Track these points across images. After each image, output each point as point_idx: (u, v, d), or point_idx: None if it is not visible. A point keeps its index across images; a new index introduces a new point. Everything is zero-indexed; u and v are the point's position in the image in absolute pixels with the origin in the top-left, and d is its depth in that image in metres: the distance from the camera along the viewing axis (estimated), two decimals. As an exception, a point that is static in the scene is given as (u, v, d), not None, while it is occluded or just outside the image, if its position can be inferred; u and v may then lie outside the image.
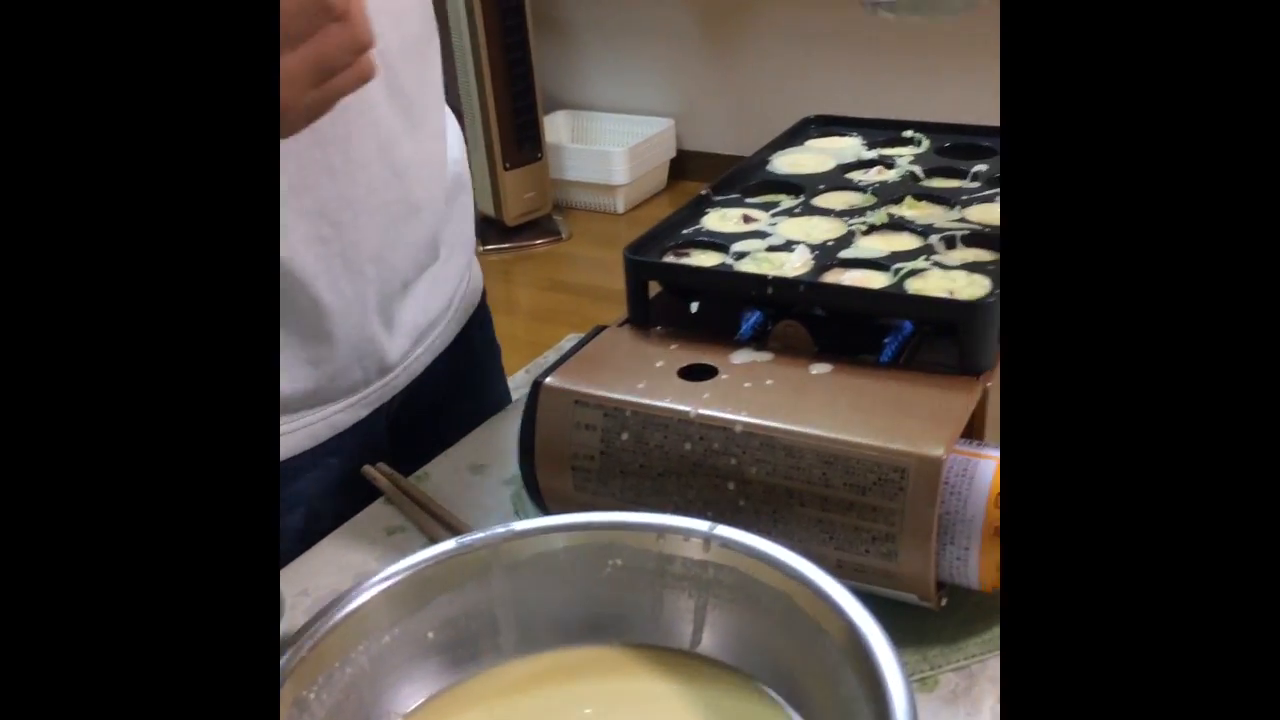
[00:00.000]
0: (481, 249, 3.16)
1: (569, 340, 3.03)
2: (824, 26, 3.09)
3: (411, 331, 0.80)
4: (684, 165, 3.45)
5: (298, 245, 0.68)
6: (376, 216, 0.73)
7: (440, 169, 0.81)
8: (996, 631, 0.59)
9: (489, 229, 3.19)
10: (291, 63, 0.48)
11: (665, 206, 3.39)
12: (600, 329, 0.69)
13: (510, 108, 3.05)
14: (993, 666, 0.57)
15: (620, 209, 3.33)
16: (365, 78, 0.51)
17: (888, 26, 2.96)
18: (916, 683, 0.56)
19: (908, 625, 0.58)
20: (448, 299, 0.86)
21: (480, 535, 0.53)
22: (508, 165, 3.09)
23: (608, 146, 3.35)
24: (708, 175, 3.51)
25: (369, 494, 0.73)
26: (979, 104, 3.00)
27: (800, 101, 3.20)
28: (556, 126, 3.44)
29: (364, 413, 0.77)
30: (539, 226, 3.22)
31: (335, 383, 0.74)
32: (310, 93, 0.49)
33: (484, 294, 0.95)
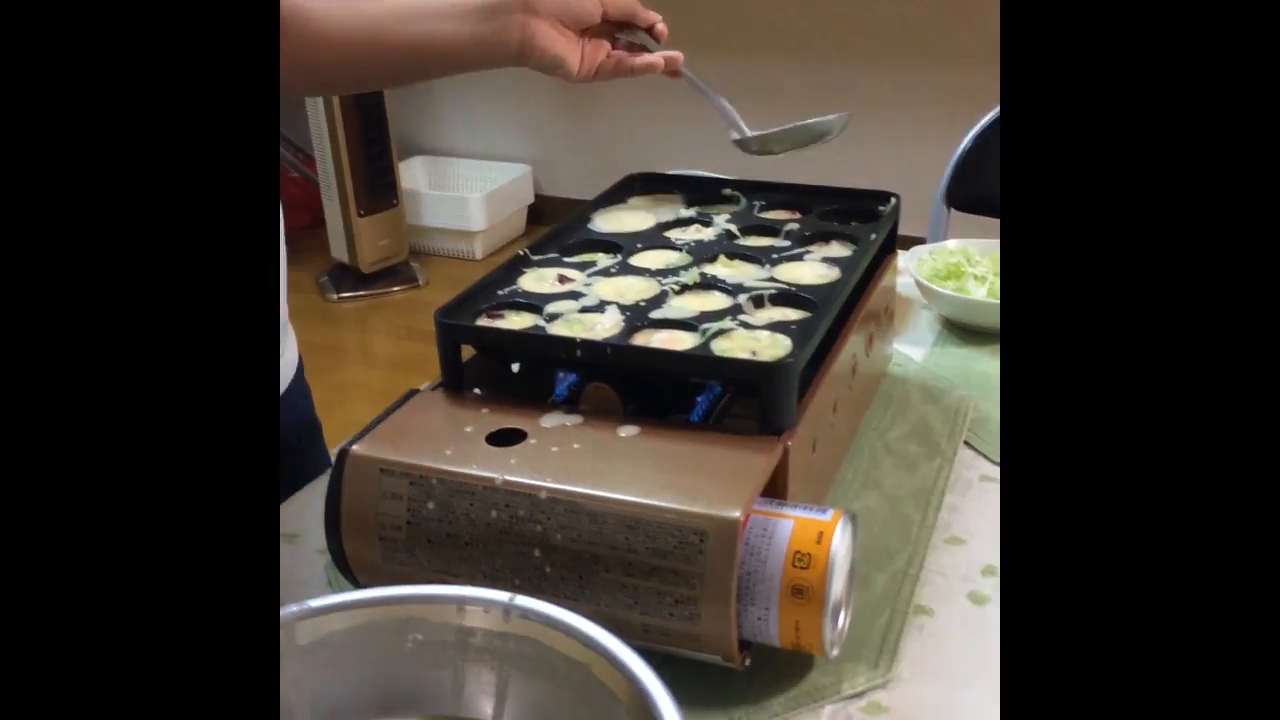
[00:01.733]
0: (336, 296, 3.11)
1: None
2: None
3: None
4: (542, 211, 3.47)
5: None
6: None
7: None
8: (801, 688, 0.60)
9: (344, 276, 3.14)
10: None
11: (524, 252, 3.39)
12: (413, 393, 0.69)
13: (364, 154, 3.02)
14: (797, 722, 0.58)
15: (479, 255, 3.32)
16: None
17: (743, 82, 3.03)
18: (722, 743, 0.57)
19: (714, 686, 0.58)
20: None
21: (272, 615, 0.51)
22: (362, 212, 3.05)
23: (465, 192, 3.34)
24: (563, 221, 3.44)
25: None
26: (834, 162, 3.09)
27: (654, 149, 3.25)
28: (414, 172, 3.42)
29: None
30: (395, 273, 3.18)
31: None
32: None
33: (300, 368, 0.90)
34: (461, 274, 3.26)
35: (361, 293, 3.12)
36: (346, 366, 2.86)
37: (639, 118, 3.26)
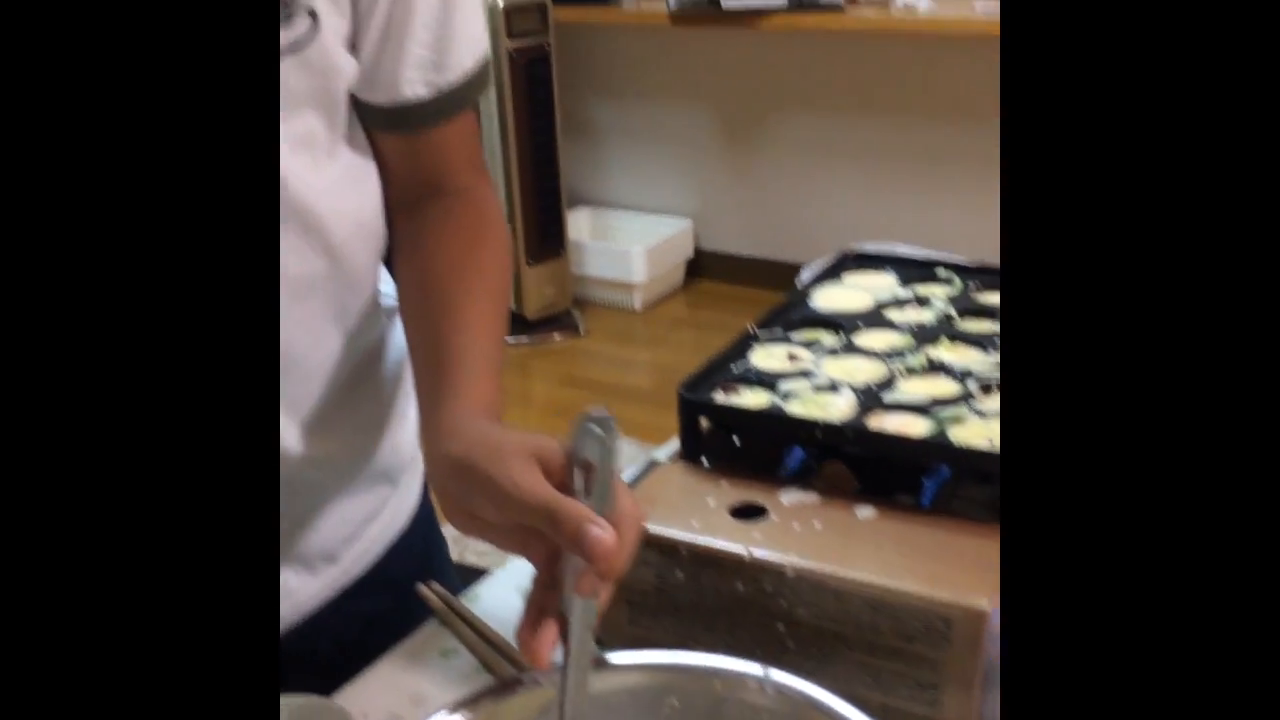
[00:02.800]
0: (501, 341, 3.21)
1: None
2: (840, 137, 3.17)
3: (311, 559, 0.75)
4: (701, 265, 3.52)
5: None
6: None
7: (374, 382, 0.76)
8: (1036, 778, 0.60)
9: (509, 321, 3.24)
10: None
11: (681, 305, 3.44)
12: (653, 464, 0.72)
13: (535, 205, 3.12)
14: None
15: (637, 306, 3.38)
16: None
17: (902, 141, 3.04)
18: (959, 828, 0.58)
19: (950, 769, 0.60)
20: (364, 519, 0.78)
21: (544, 672, 0.55)
22: (530, 261, 3.15)
23: (627, 245, 3.42)
24: (724, 276, 3.56)
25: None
26: (983, 224, 3.05)
27: (813, 208, 3.27)
28: (578, 223, 3.51)
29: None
30: (557, 322, 3.26)
31: None
32: None
33: (416, 517, 0.84)
34: (621, 325, 3.33)
35: (524, 339, 3.21)
36: (507, 411, 2.94)
37: (797, 178, 3.29)
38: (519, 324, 3.23)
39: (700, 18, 2.95)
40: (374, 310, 0.75)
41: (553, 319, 3.26)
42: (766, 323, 0.83)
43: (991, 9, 2.60)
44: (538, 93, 3.04)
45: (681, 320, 3.37)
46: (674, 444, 0.75)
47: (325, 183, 0.67)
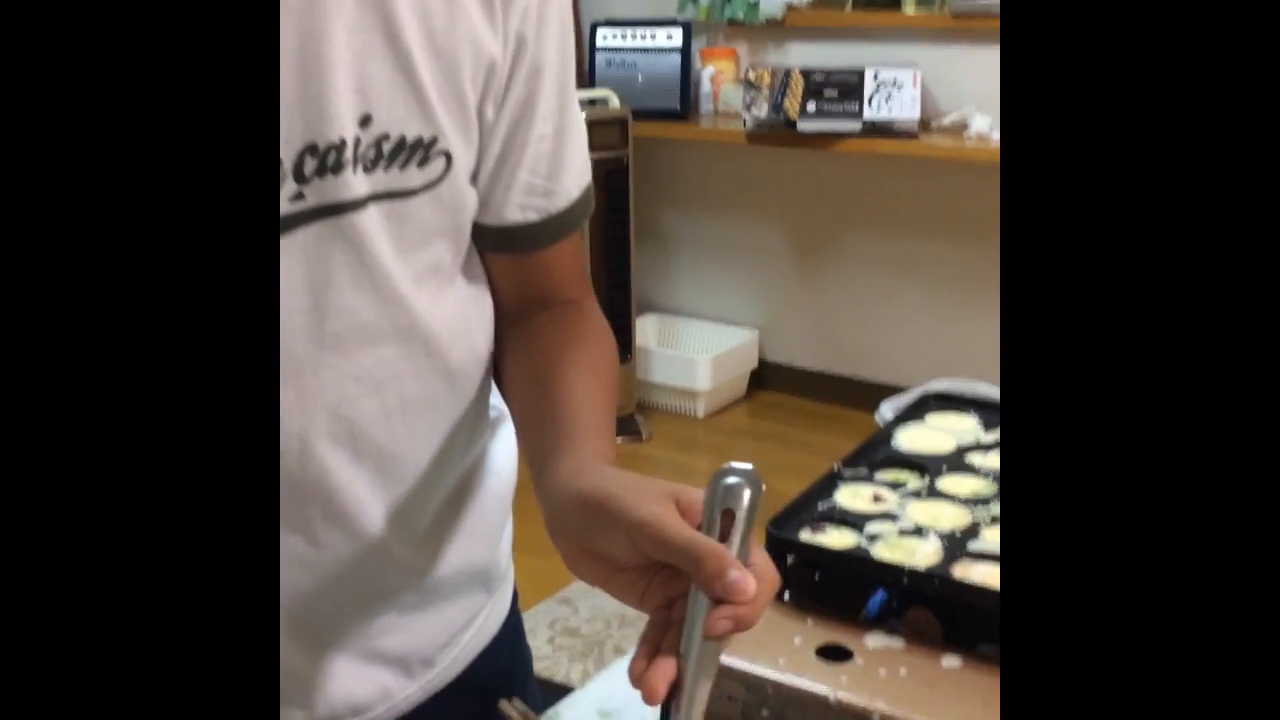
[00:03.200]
0: (563, 442, 3.25)
1: None
2: (908, 259, 3.21)
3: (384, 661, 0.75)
4: (764, 376, 3.54)
5: None
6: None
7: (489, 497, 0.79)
8: None
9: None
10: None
11: (744, 415, 3.46)
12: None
13: (606, 309, 3.15)
14: None
15: (700, 414, 3.41)
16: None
17: (968, 267, 3.07)
18: None
19: None
20: (447, 637, 0.78)
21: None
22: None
23: (693, 353, 3.46)
24: (787, 388, 3.55)
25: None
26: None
27: (879, 327, 3.29)
28: (646, 329, 3.57)
29: None
30: (621, 426, 3.30)
31: None
32: None
33: (512, 617, 0.86)
34: (684, 432, 3.35)
35: (587, 440, 3.24)
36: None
37: (864, 297, 3.32)
38: (582, 426, 3.27)
39: (775, 138, 3.03)
40: (482, 425, 0.79)
41: (617, 423, 3.29)
42: (851, 461, 0.85)
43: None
44: (615, 202, 3.13)
45: (743, 430, 3.39)
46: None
47: (447, 308, 0.70)
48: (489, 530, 0.80)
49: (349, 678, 0.72)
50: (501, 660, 0.84)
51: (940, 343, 3.14)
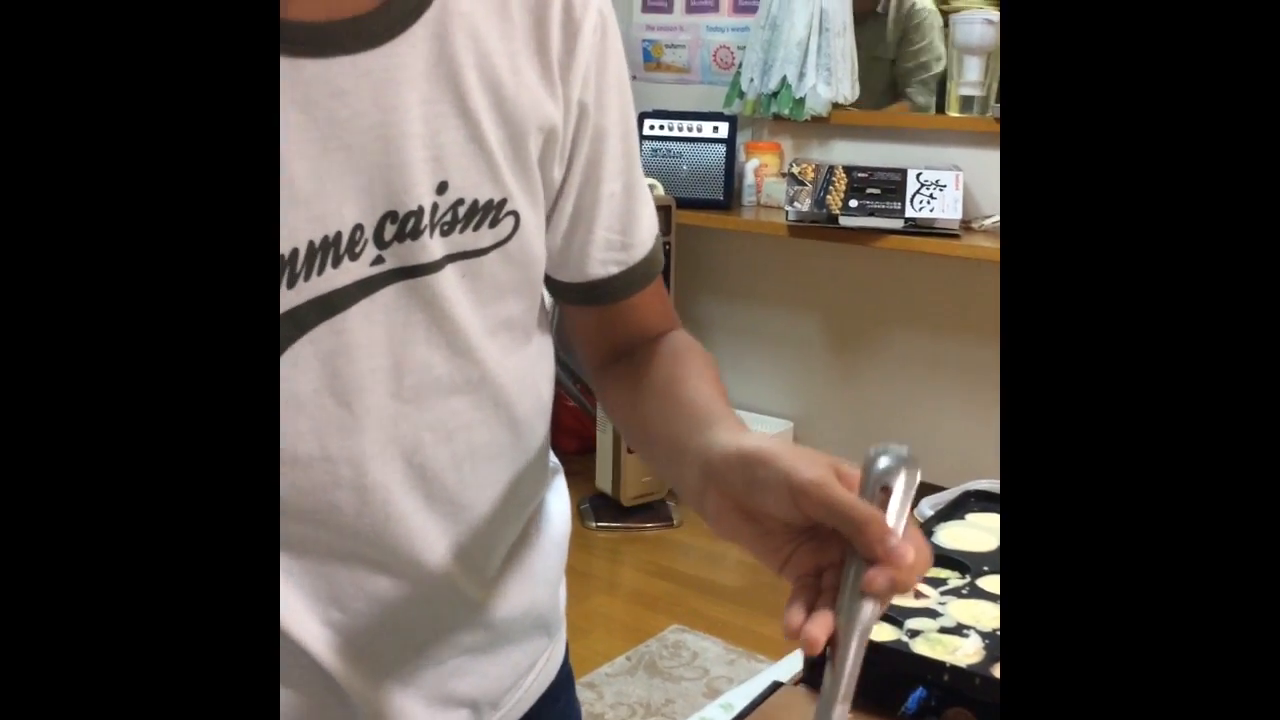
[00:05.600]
0: (595, 524, 3.24)
1: (673, 630, 2.97)
2: (946, 357, 3.22)
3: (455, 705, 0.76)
4: (798, 467, 3.53)
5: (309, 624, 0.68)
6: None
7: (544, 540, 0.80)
8: None
9: (604, 505, 3.28)
10: None
11: (776, 505, 3.44)
12: (776, 685, 0.74)
13: (641, 395, 3.19)
14: None
15: (732, 502, 3.40)
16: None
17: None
18: None
19: None
20: (512, 680, 0.80)
21: None
22: (630, 448, 3.20)
23: (727, 441, 3.46)
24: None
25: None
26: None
27: (915, 422, 3.29)
28: (680, 415, 3.58)
29: None
30: (652, 510, 3.29)
31: None
32: None
33: (565, 665, 0.88)
34: (713, 519, 3.34)
35: (618, 524, 3.24)
36: (594, 595, 2.95)
37: (900, 392, 3.33)
38: (614, 510, 3.26)
39: (817, 232, 3.06)
40: (544, 474, 0.81)
41: (647, 507, 3.29)
42: (893, 556, 0.85)
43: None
44: (655, 288, 3.17)
45: (774, 521, 3.37)
46: (792, 662, 0.77)
47: (517, 362, 0.72)
48: (549, 575, 0.82)
49: (424, 718, 0.74)
50: (558, 705, 0.86)
51: (977, 443, 3.13)
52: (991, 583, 0.82)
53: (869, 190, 2.95)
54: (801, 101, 3.18)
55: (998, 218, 2.94)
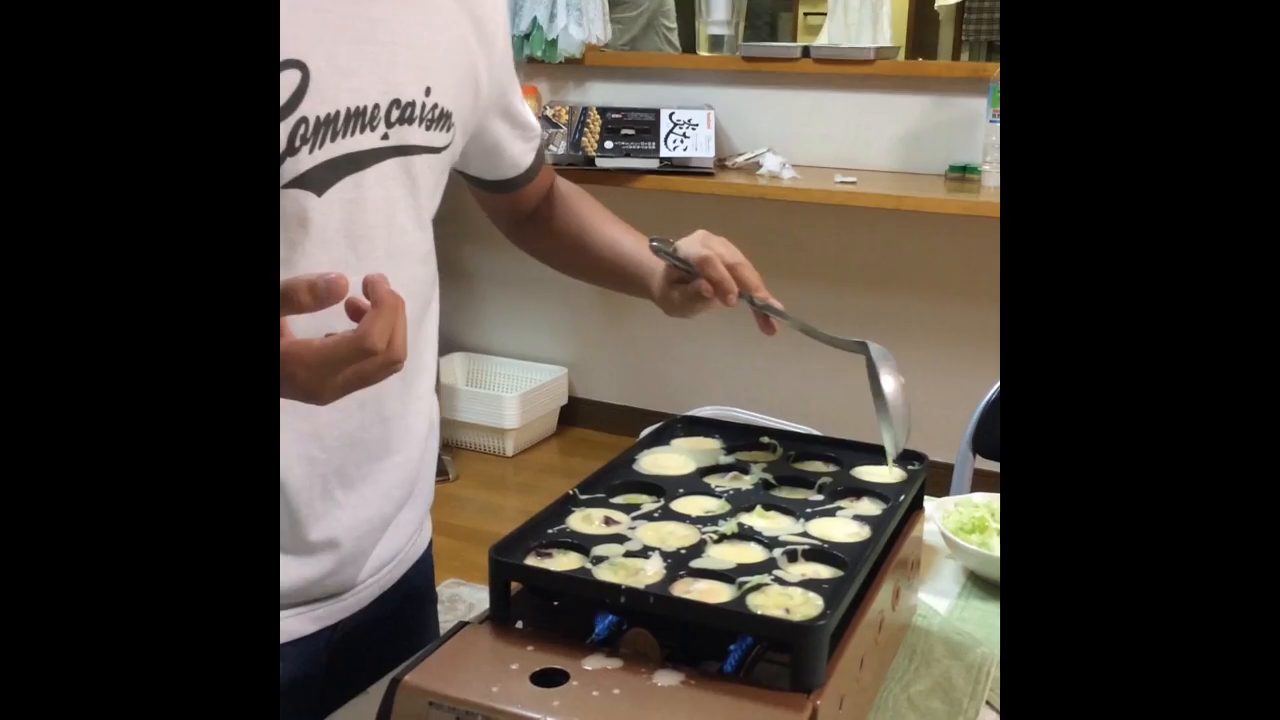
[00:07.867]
0: (367, 485, 3.16)
1: (449, 585, 2.93)
2: (713, 292, 3.28)
3: (375, 563, 0.92)
4: (574, 412, 3.55)
5: (291, 462, 0.81)
6: (359, 451, 0.86)
7: (422, 423, 0.94)
8: None
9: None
10: (336, 381, 0.66)
11: (554, 452, 3.45)
12: (462, 624, 0.73)
13: (407, 349, 3.12)
14: None
15: (510, 452, 3.38)
16: (391, 374, 0.68)
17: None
18: None
19: None
20: (407, 539, 0.98)
21: None
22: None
23: (501, 391, 3.43)
24: (596, 423, 3.55)
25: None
26: (847, 392, 3.15)
27: (681, 361, 3.35)
28: (453, 368, 3.52)
29: (312, 627, 0.88)
30: (427, 466, 3.23)
31: (295, 592, 0.86)
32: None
33: (430, 544, 1.05)
34: (492, 470, 3.32)
35: (392, 483, 3.17)
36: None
37: (671, 332, 3.38)
38: (387, 468, 3.19)
39: (575, 175, 3.05)
40: (435, 342, 1.01)
41: (422, 463, 3.23)
42: (588, 486, 0.85)
43: (849, 183, 2.77)
44: (415, 240, 3.09)
45: (553, 467, 3.38)
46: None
47: (432, 237, 0.92)
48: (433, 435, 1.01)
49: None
50: (425, 568, 1.04)
51: (741, 376, 3.21)
52: (686, 504, 0.83)
53: (624, 131, 2.95)
54: (554, 43, 3.15)
55: (750, 154, 3.00)
